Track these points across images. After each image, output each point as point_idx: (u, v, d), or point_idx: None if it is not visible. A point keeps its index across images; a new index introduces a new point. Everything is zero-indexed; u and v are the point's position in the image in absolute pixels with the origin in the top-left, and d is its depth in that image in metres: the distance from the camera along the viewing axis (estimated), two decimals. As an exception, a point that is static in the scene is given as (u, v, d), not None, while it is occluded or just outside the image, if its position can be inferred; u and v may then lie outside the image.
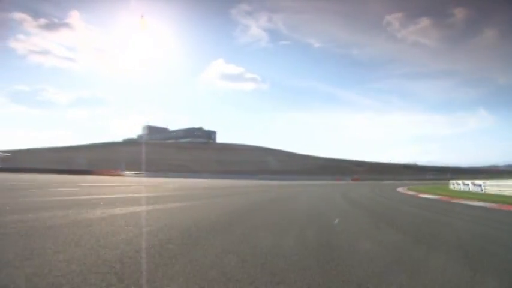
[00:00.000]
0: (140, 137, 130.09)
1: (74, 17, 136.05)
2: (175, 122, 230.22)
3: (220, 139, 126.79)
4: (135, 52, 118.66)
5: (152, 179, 35.41)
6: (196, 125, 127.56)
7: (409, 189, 21.91)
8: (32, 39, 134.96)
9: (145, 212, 5.58)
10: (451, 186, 22.95)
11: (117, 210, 5.52)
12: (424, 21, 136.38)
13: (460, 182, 20.93)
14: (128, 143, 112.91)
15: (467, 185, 19.33)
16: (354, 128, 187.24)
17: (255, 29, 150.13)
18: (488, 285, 2.36)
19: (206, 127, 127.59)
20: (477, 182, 17.11)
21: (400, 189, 21.29)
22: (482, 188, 16.00)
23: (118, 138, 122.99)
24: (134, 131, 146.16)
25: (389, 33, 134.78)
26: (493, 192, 14.79)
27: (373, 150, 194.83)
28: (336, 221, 5.51)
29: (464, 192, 17.32)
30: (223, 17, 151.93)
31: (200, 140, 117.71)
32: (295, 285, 2.13)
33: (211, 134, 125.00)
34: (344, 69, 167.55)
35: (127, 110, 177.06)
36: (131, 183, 19.84)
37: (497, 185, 15.77)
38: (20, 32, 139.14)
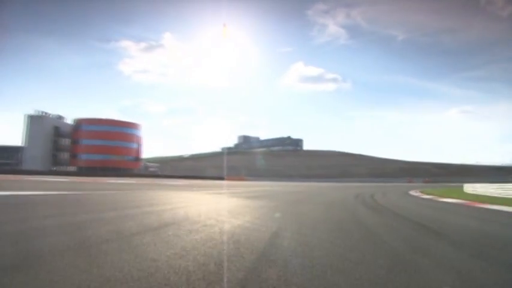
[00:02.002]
0: (237, 146, 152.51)
1: (167, 38, 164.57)
2: (259, 126, 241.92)
3: (306, 145, 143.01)
4: (219, 61, 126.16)
5: (269, 182, 47.92)
6: (279, 130, 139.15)
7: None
8: (135, 61, 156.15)
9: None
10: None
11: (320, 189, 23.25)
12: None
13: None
14: (228, 152, 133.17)
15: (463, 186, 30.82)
16: (447, 123, 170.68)
17: (332, 27, 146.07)
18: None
19: (289, 132, 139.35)
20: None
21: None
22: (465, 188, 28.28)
23: (215, 147, 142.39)
24: (230, 140, 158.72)
25: (490, 13, 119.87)
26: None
27: (469, 149, 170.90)
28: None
29: (451, 191, 29.36)
30: (300, 19, 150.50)
31: (289, 147, 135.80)
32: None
33: (298, 142, 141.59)
34: (434, 60, 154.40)
35: (214, 117, 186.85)
36: (275, 185, 38.31)
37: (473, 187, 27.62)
38: (126, 56, 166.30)
